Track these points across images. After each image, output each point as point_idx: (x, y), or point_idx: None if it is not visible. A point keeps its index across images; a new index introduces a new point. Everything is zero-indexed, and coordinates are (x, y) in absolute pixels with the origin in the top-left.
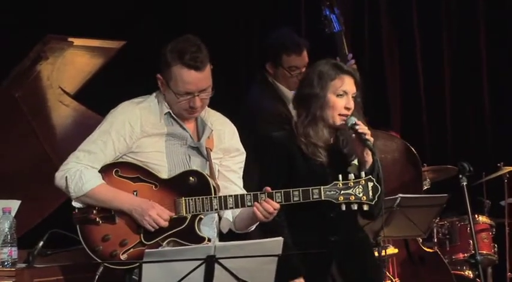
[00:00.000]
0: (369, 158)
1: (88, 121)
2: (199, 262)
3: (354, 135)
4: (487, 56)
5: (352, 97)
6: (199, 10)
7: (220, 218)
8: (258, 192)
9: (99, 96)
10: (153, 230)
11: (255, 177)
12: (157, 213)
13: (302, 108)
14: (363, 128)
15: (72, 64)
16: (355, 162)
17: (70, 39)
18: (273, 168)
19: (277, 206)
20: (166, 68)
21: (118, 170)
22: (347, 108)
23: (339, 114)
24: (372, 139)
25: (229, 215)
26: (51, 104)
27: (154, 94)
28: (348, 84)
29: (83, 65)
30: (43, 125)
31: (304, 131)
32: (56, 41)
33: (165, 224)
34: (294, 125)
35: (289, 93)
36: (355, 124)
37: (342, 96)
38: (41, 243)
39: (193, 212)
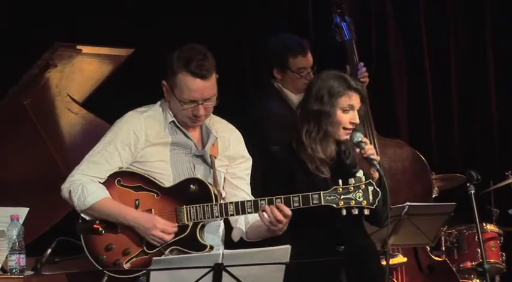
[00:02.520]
0: (376, 175)
1: (96, 129)
2: (207, 270)
3: (360, 153)
4: (495, 64)
5: (357, 111)
6: (205, 18)
7: (230, 227)
8: (259, 199)
9: (108, 104)
10: (158, 245)
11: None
12: (161, 231)
13: (312, 123)
14: (368, 147)
15: (80, 72)
16: (359, 174)
17: (78, 47)
18: (274, 183)
19: (288, 211)
20: (172, 75)
21: (120, 179)
22: (352, 123)
23: (344, 128)
24: (378, 158)
25: (242, 224)
26: (59, 112)
27: (158, 103)
28: (354, 100)
29: (91, 72)
30: (51, 133)
31: (312, 146)
32: (65, 48)
33: (170, 238)
34: (299, 138)
35: (295, 98)
36: (361, 142)
37: (348, 112)
38: (49, 250)
39: (194, 219)
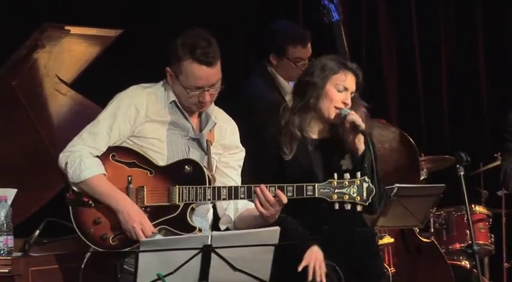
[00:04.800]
0: (361, 146)
1: (85, 110)
2: (195, 251)
3: (346, 123)
4: (484, 45)
5: (351, 95)
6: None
7: (215, 210)
8: (252, 186)
9: (96, 85)
10: (129, 237)
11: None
12: (140, 229)
13: (298, 95)
14: (353, 116)
15: (69, 52)
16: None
17: (67, 28)
18: (265, 165)
19: (283, 197)
20: (177, 62)
21: (115, 154)
22: (344, 103)
23: (335, 107)
24: (363, 125)
25: (231, 212)
26: (47, 93)
27: (161, 82)
28: (349, 82)
29: (79, 53)
30: (40, 114)
31: (290, 118)
32: (53, 29)
33: (143, 238)
34: (281, 111)
35: (287, 85)
36: (349, 113)
37: (341, 92)
38: (37, 232)
39: (186, 200)
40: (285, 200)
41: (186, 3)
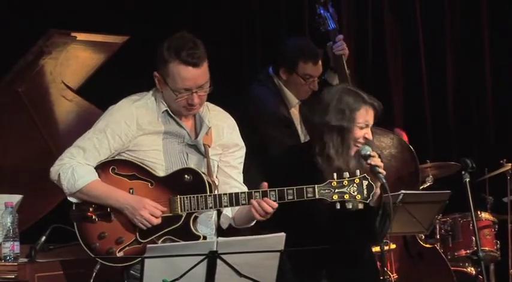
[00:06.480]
0: (377, 190)
1: (90, 116)
2: (201, 257)
3: (366, 164)
4: (490, 52)
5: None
6: (201, 6)
7: (219, 215)
8: (253, 191)
9: (102, 91)
10: (145, 228)
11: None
12: (149, 212)
13: (335, 138)
14: (376, 160)
15: (75, 59)
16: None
17: (73, 34)
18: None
19: (275, 205)
20: (164, 65)
21: (115, 167)
22: (365, 139)
23: (355, 143)
24: (384, 172)
25: (228, 211)
26: (54, 99)
27: (151, 92)
28: (370, 117)
29: (85, 59)
30: (46, 120)
31: (340, 160)
32: (59, 35)
33: (157, 221)
34: (324, 151)
35: (292, 97)
36: (370, 155)
37: (362, 128)
38: (43, 238)
39: (188, 210)
40: (275, 205)
41: (192, 9)
